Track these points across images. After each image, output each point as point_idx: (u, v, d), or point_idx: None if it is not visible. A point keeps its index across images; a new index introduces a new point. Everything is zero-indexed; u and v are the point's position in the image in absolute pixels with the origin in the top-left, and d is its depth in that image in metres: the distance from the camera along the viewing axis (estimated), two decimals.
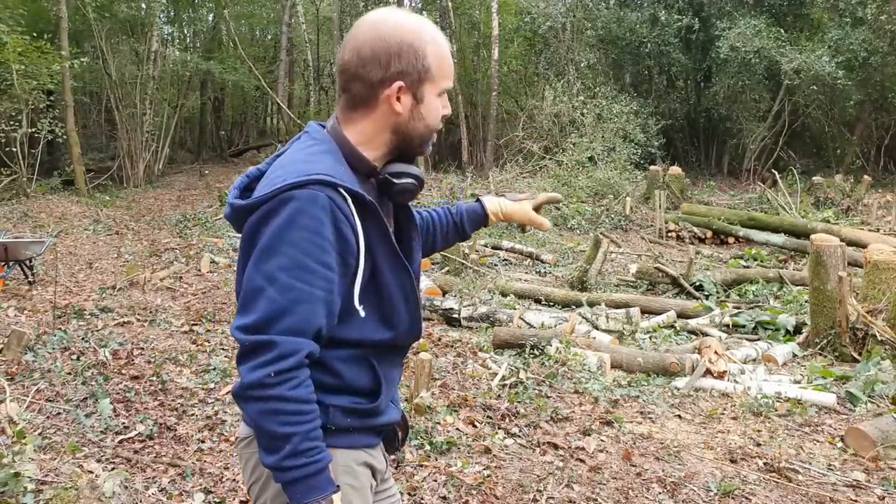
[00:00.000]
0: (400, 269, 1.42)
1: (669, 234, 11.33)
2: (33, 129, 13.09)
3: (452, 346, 5.57)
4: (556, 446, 3.82)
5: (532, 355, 5.26)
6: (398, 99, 1.38)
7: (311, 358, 1.29)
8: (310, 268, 1.26)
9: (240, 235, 1.38)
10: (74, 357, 4.80)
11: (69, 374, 4.44)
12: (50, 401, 4.04)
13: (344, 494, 1.36)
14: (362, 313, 1.38)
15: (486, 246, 9.81)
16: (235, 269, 1.51)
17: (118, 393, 4.20)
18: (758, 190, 14.80)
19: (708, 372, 4.91)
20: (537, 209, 1.83)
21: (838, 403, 4.51)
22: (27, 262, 7.06)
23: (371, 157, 1.42)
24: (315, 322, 1.28)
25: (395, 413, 1.53)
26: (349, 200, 1.31)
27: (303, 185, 1.26)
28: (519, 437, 3.93)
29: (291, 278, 1.26)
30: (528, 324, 6.07)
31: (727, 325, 6.31)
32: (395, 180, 1.43)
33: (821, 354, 5.44)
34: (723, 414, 4.40)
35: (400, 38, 1.35)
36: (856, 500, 3.36)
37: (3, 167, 12.87)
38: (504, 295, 7.23)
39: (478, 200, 1.80)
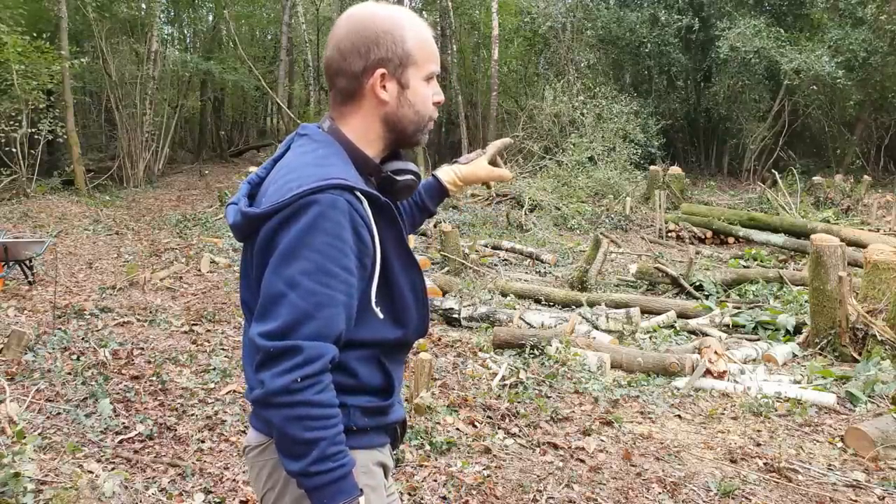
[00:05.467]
0: (410, 267, 1.43)
1: (669, 234, 11.32)
2: (33, 130, 13.08)
3: (452, 346, 5.57)
4: (556, 446, 3.82)
5: (532, 355, 5.26)
6: (383, 87, 1.39)
7: (332, 363, 1.29)
8: (332, 272, 1.26)
9: (239, 242, 1.37)
10: (74, 357, 4.80)
11: (69, 374, 4.44)
12: (50, 401, 4.04)
13: (364, 496, 1.37)
14: (380, 315, 1.38)
15: (486, 246, 9.81)
16: (239, 273, 1.49)
17: (118, 393, 4.20)
18: (758, 190, 14.79)
19: (708, 372, 4.91)
20: (493, 162, 1.77)
21: (838, 403, 4.51)
22: (27, 262, 7.06)
23: (371, 155, 1.44)
24: (337, 327, 1.28)
25: (402, 411, 1.54)
26: (365, 203, 1.32)
27: (322, 190, 1.26)
28: (519, 437, 3.93)
29: (314, 283, 1.25)
30: (528, 324, 6.07)
31: (727, 325, 6.31)
32: (396, 178, 1.44)
33: (821, 354, 5.44)
34: (723, 414, 4.40)
35: (376, 27, 1.38)
36: (856, 500, 3.36)
37: (3, 167, 12.85)
38: (504, 295, 7.22)
39: (433, 176, 1.78)
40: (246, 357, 1.46)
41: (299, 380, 1.23)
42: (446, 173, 1.76)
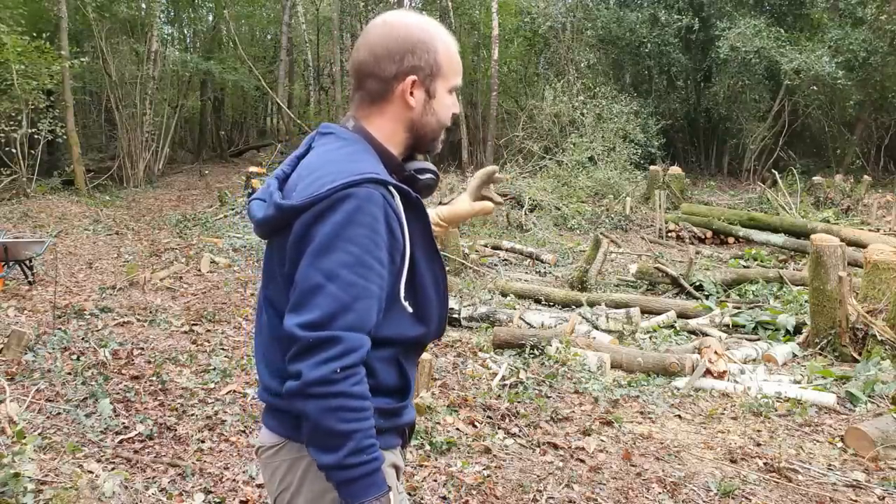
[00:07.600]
0: (435, 263, 1.44)
1: (669, 234, 11.32)
2: (33, 130, 13.09)
3: (452, 346, 5.57)
4: (556, 446, 3.82)
5: (532, 355, 5.26)
6: (411, 93, 1.42)
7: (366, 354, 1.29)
8: (369, 264, 1.28)
9: (254, 235, 1.36)
10: (74, 357, 4.80)
11: (69, 374, 4.44)
12: (50, 401, 4.04)
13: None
14: (409, 309, 1.39)
15: (486, 246, 9.81)
16: (262, 269, 1.48)
17: (118, 393, 4.20)
18: (758, 190, 14.80)
19: (708, 372, 4.91)
20: (480, 193, 1.81)
21: (838, 403, 4.51)
22: (27, 262, 7.06)
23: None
24: (372, 318, 1.29)
25: (413, 413, 1.54)
26: (397, 198, 1.34)
27: (358, 184, 1.28)
28: (519, 437, 3.93)
29: (353, 274, 1.26)
30: (528, 324, 6.07)
31: (727, 325, 6.31)
32: (419, 177, 1.47)
33: (821, 354, 5.44)
34: (723, 414, 4.40)
35: (412, 35, 1.41)
36: (856, 500, 3.36)
37: (3, 167, 12.86)
38: (504, 295, 7.23)
39: None
40: (259, 356, 1.45)
41: (339, 370, 1.23)
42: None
